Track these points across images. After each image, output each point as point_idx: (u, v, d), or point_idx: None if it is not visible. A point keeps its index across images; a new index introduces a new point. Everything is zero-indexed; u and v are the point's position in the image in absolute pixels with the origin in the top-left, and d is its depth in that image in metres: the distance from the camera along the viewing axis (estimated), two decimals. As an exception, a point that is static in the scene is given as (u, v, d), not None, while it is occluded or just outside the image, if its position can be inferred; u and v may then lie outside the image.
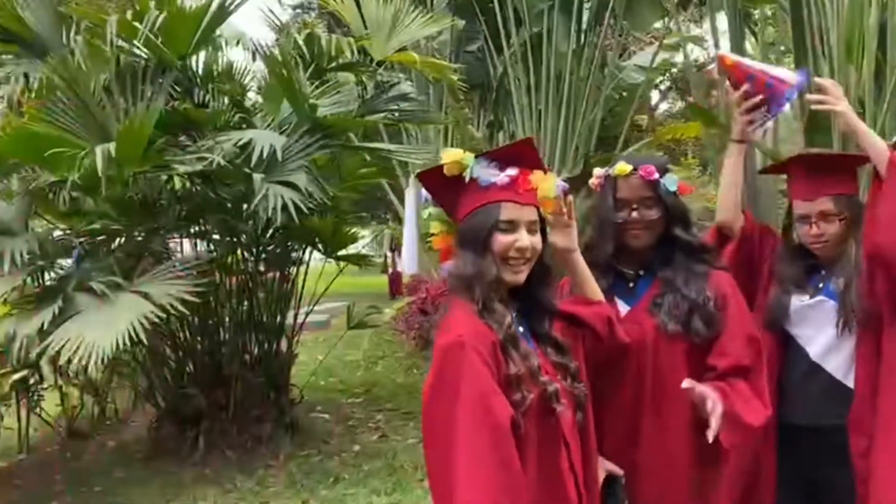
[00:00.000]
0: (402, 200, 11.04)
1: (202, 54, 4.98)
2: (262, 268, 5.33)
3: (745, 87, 2.13)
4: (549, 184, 1.63)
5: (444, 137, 10.12)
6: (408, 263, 3.05)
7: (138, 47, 4.47)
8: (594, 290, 1.85)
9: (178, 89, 4.95)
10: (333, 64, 5.07)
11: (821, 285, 2.25)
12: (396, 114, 5.81)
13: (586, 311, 1.80)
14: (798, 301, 2.24)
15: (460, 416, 1.44)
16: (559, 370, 1.65)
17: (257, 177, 3.93)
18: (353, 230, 5.57)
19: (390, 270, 17.44)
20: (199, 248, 5.11)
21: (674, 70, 14.85)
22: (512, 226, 1.61)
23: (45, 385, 5.39)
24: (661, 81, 16.27)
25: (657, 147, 12.76)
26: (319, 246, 5.55)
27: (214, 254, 4.84)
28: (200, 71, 4.98)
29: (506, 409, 1.47)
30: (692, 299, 1.94)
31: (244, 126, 4.79)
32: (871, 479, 2.06)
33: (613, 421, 1.93)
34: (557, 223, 1.74)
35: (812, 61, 4.98)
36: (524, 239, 1.59)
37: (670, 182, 2.00)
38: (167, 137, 4.41)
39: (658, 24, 13.58)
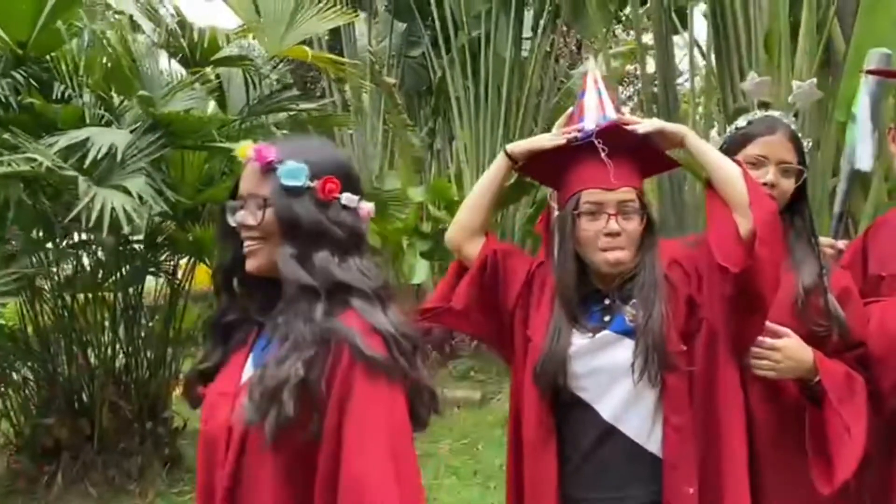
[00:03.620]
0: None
1: (71, 45, 4.47)
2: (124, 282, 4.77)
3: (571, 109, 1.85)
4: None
5: (382, 143, 9.68)
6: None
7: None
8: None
9: (36, 83, 4.43)
10: (213, 56, 4.57)
11: (606, 318, 1.68)
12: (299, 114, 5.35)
13: None
14: (579, 341, 1.67)
15: None
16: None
17: (82, 180, 3.42)
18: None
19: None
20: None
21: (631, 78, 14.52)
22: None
23: None
24: (620, 91, 15.92)
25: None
26: (206, 258, 5.03)
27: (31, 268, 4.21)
28: (63, 64, 4.45)
29: None
30: None
31: (105, 125, 4.27)
32: None
33: None
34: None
35: (737, 62, 4.59)
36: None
37: (288, 173, 1.29)
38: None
39: (620, 33, 13.42)
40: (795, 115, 2.06)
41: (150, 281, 5.33)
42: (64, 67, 4.40)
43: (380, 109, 9.44)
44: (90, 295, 4.85)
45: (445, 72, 8.91)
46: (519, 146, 1.79)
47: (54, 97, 4.42)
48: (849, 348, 1.74)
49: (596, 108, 1.75)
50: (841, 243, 2.00)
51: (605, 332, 1.65)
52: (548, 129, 1.84)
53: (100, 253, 4.57)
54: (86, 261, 4.69)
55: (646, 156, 1.72)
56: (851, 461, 1.63)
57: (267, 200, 1.29)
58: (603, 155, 1.64)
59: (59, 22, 3.99)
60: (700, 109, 5.86)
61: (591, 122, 1.72)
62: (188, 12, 5.32)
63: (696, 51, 6.23)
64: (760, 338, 1.67)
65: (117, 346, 5.02)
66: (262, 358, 1.28)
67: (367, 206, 1.37)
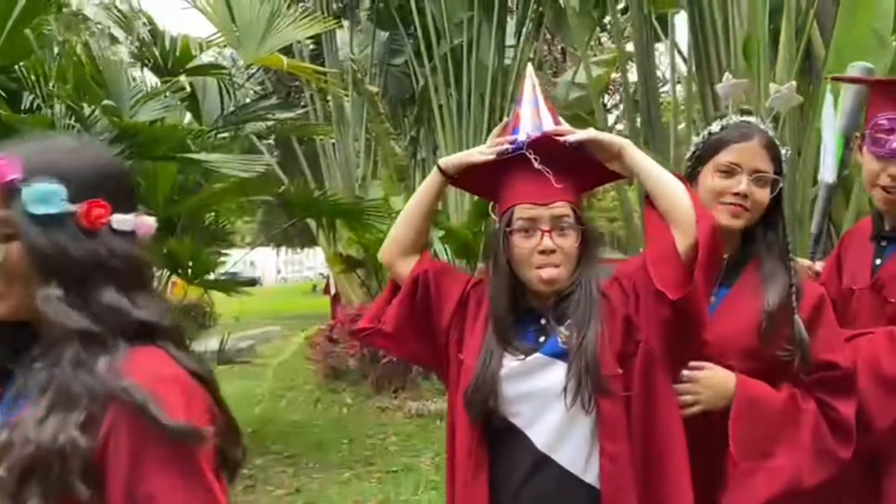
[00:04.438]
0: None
1: (41, 55, 4.38)
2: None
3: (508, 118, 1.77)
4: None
5: (365, 152, 9.63)
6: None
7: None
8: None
9: (4, 93, 4.34)
10: (185, 65, 4.49)
11: (542, 339, 1.58)
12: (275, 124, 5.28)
13: None
14: (510, 363, 1.56)
15: None
16: None
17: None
18: (214, 253, 4.97)
19: (332, 291, 16.91)
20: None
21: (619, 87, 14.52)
22: None
23: None
24: (603, 100, 15.92)
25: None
26: (180, 271, 4.96)
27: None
28: (33, 74, 4.36)
29: None
30: None
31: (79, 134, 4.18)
32: None
33: None
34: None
35: (717, 69, 4.55)
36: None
37: (37, 196, 0.99)
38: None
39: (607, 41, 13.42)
40: (775, 122, 1.99)
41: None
42: (33, 77, 4.32)
43: (362, 118, 9.39)
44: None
45: (428, 80, 8.87)
46: (451, 160, 1.69)
47: (23, 107, 4.35)
48: (812, 371, 1.65)
49: (531, 117, 1.66)
50: (818, 265, 1.93)
51: (537, 355, 1.55)
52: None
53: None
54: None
55: (583, 168, 1.62)
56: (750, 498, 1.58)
57: (11, 232, 0.99)
58: (537, 167, 1.55)
59: (27, 31, 3.90)
60: (682, 117, 5.83)
61: (524, 133, 1.62)
62: (168, 22, 5.26)
63: (679, 59, 6.22)
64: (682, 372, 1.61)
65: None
66: (6, 416, 0.98)
67: (147, 223, 1.09)
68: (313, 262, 40.81)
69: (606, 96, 16.12)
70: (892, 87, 1.87)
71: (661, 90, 8.22)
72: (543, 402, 1.53)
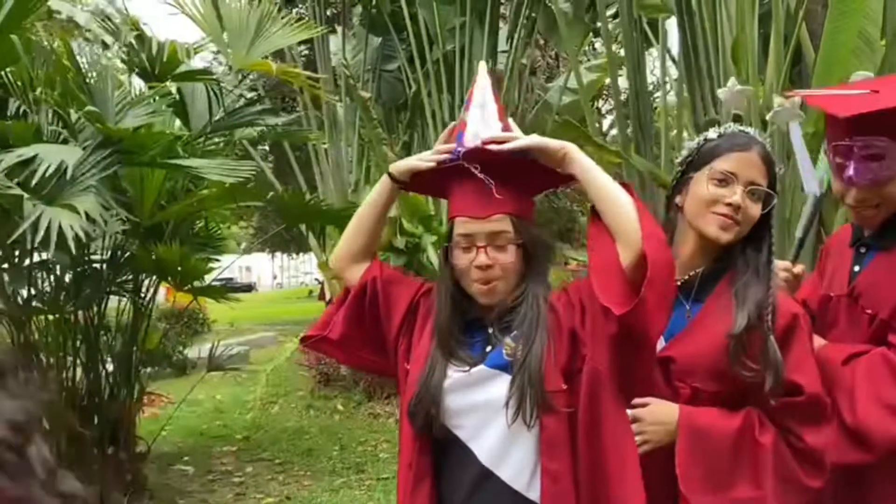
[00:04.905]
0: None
1: (27, 61, 4.34)
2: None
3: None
4: None
5: (358, 157, 9.59)
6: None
7: None
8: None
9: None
10: (174, 71, 4.47)
11: (488, 349, 1.55)
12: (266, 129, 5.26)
13: None
14: (454, 374, 1.52)
15: None
16: None
17: (27, 199, 3.29)
18: (202, 259, 4.93)
19: (327, 297, 16.86)
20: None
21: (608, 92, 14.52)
22: None
23: None
24: (598, 105, 15.94)
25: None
26: (169, 278, 4.91)
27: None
28: (19, 80, 4.33)
29: None
30: None
31: (63, 142, 4.14)
32: None
33: None
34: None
35: (706, 74, 4.53)
36: None
37: None
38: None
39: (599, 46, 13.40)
40: (763, 126, 1.95)
41: (114, 300, 5.21)
42: (20, 83, 4.29)
43: (355, 123, 9.36)
44: (50, 316, 4.72)
45: (421, 86, 8.85)
46: (399, 166, 1.66)
47: (9, 114, 4.31)
48: (781, 395, 1.58)
49: (477, 122, 1.57)
50: (798, 268, 1.87)
51: (481, 367, 1.51)
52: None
53: (59, 273, 4.42)
54: (40, 281, 4.55)
55: (527, 175, 1.55)
56: None
57: None
58: (477, 176, 1.49)
59: (13, 37, 3.87)
60: (672, 122, 5.81)
61: (469, 139, 1.55)
62: (165, 28, 5.24)
63: (671, 64, 6.19)
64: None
65: (78, 369, 4.88)
66: None
67: None
68: (309, 267, 40.76)
69: (601, 101, 16.15)
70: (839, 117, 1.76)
71: (655, 96, 8.22)
72: (486, 415, 1.49)
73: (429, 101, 8.76)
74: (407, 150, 9.73)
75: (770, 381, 1.55)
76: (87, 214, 3.30)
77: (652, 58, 8.65)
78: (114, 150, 3.62)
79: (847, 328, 1.79)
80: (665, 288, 1.46)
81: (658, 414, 1.59)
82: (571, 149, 1.55)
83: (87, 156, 3.58)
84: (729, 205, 1.62)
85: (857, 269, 1.82)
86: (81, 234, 3.30)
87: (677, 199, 1.73)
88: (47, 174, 3.39)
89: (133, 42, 4.45)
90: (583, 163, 1.53)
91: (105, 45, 5.03)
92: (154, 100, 4.16)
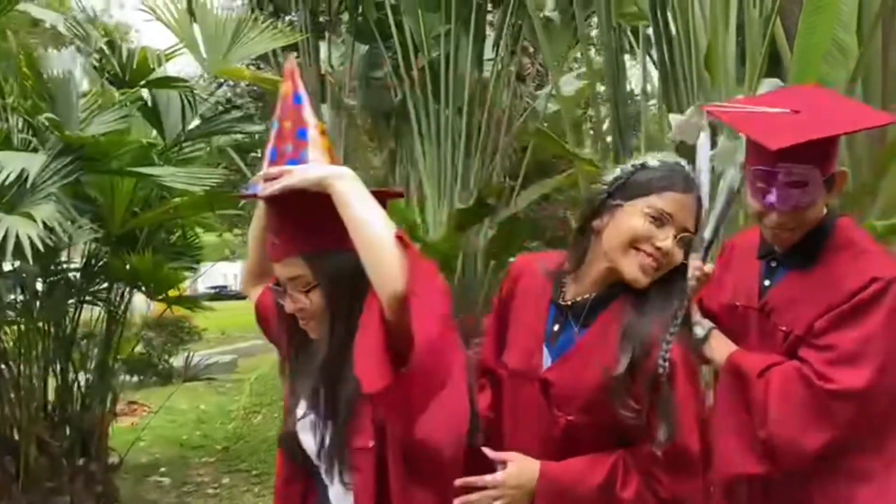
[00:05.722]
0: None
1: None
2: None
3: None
4: None
5: (343, 164, 9.56)
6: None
7: None
8: None
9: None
10: (146, 78, 4.42)
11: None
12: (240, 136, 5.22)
13: None
14: (301, 413, 1.47)
15: None
16: None
17: (-14, 207, 3.24)
18: (177, 268, 4.87)
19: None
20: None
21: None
22: None
23: None
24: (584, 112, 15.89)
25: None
26: (142, 287, 4.86)
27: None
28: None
29: None
30: None
31: (33, 150, 4.09)
32: None
33: None
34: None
35: (682, 80, 4.48)
36: None
37: None
38: None
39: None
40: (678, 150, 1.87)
41: (88, 310, 5.15)
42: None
43: (341, 130, 9.32)
44: (21, 326, 4.66)
45: (406, 93, 8.82)
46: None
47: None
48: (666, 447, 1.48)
49: (271, 142, 1.44)
50: (708, 267, 1.77)
51: (310, 416, 1.44)
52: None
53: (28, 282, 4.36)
54: (11, 290, 4.49)
55: (322, 208, 1.34)
56: None
57: None
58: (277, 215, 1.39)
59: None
60: (655, 131, 5.77)
61: (270, 167, 1.41)
62: (155, 36, 5.20)
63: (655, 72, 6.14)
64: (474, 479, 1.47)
65: (49, 379, 4.81)
66: None
67: None
68: (303, 275, 40.67)
69: (591, 109, 16.12)
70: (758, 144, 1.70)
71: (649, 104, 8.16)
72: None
73: (414, 108, 8.73)
74: (393, 158, 9.70)
75: (663, 433, 1.47)
76: (44, 223, 3.24)
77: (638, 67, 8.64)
78: (75, 157, 3.56)
79: (758, 341, 1.78)
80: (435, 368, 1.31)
81: (520, 476, 1.52)
82: (333, 178, 1.34)
83: (48, 163, 3.52)
84: (658, 248, 1.52)
85: (767, 283, 1.79)
86: (38, 244, 3.24)
87: (595, 223, 1.61)
88: (7, 182, 3.33)
89: (104, 48, 4.40)
90: (342, 195, 1.33)
91: (79, 51, 4.98)
92: (125, 105, 4.10)
